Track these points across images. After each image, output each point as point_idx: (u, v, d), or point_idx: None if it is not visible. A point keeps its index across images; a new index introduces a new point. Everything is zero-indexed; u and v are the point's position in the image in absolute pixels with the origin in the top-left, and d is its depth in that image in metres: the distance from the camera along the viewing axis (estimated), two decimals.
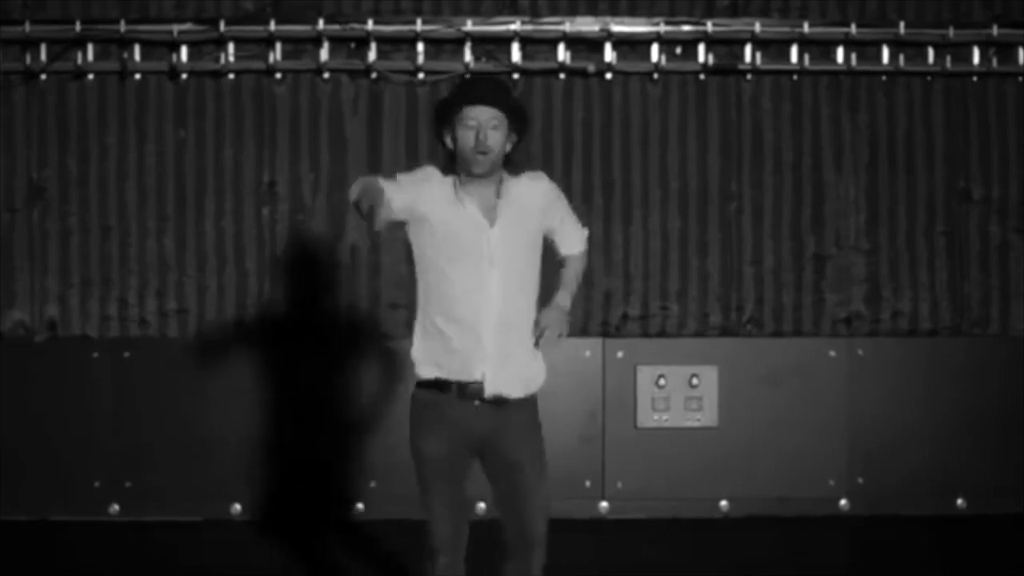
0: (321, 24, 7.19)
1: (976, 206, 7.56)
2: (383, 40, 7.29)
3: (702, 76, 7.44)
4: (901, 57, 7.44)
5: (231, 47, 7.26)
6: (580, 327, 7.34)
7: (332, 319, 7.29)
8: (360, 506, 7.06)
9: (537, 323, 4.21)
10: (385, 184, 4.06)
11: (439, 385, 4.16)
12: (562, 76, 7.37)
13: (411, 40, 7.28)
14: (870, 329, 7.48)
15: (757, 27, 7.32)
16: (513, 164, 4.28)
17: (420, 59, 7.28)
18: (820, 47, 7.43)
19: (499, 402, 4.14)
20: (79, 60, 7.22)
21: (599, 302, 7.42)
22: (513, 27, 7.25)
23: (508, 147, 4.21)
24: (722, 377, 7.16)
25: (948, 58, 7.44)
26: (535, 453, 4.20)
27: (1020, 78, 7.53)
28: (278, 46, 7.27)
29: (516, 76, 7.30)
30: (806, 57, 7.38)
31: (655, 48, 7.38)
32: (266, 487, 7.01)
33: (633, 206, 7.45)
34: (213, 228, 7.35)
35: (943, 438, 7.21)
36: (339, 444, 7.01)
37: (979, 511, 7.16)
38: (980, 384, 7.25)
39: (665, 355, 7.20)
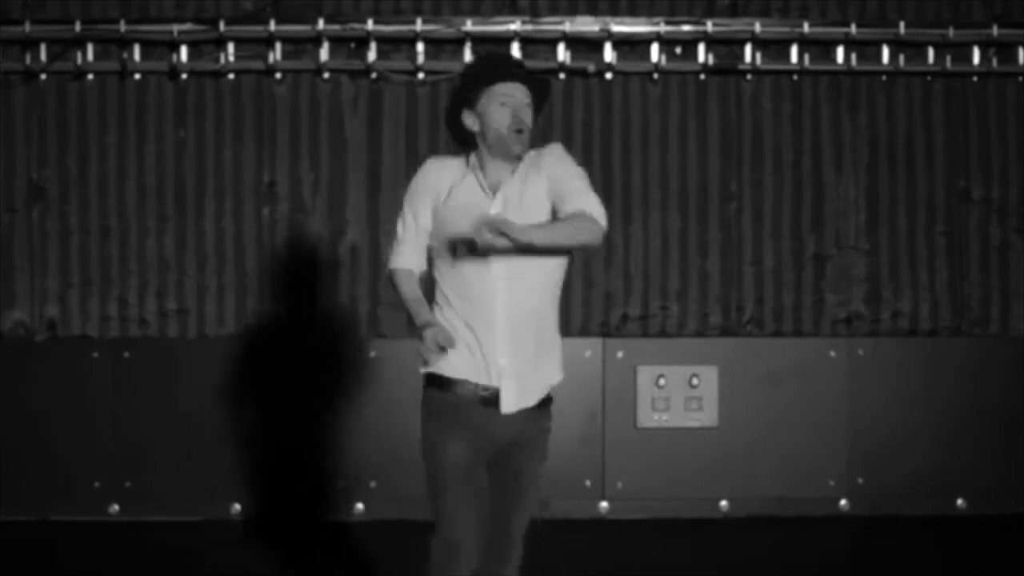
0: (321, 24, 7.18)
1: (976, 206, 7.56)
2: (383, 40, 7.29)
3: (702, 76, 7.44)
4: (901, 57, 7.44)
5: (231, 47, 7.26)
6: (580, 327, 7.34)
7: (332, 319, 7.29)
8: (360, 506, 7.06)
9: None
10: (403, 233, 4.01)
11: (456, 385, 3.95)
12: (562, 76, 7.37)
13: (411, 40, 7.28)
14: (870, 329, 7.48)
15: (757, 27, 7.32)
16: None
17: (420, 59, 7.28)
18: (820, 47, 7.43)
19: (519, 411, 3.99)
20: (79, 60, 7.22)
21: (599, 302, 7.42)
22: (513, 27, 7.25)
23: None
24: (722, 377, 7.16)
25: (948, 58, 7.44)
26: (539, 458, 4.07)
27: (1020, 78, 7.53)
28: (278, 46, 7.27)
29: None
30: (806, 57, 7.38)
31: (655, 48, 7.38)
32: (266, 487, 7.01)
33: (633, 206, 7.45)
34: (213, 228, 7.35)
35: (943, 438, 7.21)
36: (339, 444, 7.00)
37: (979, 511, 7.16)
38: (980, 384, 7.25)
39: (665, 355, 7.20)
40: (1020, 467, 7.18)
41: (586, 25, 7.31)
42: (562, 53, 7.31)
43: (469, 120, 4.03)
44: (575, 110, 7.43)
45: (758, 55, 7.41)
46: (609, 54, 7.34)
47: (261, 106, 7.38)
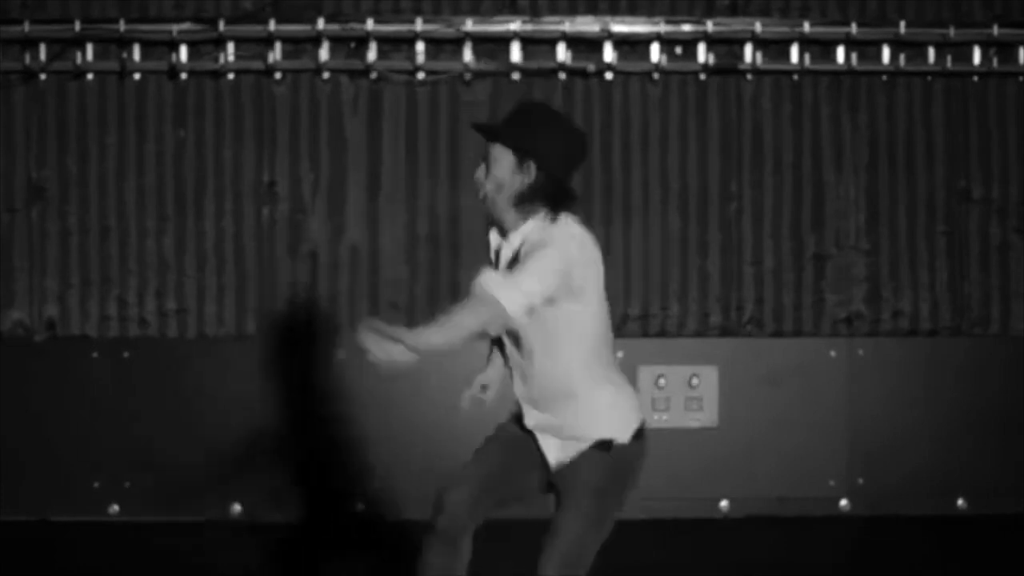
0: (321, 24, 7.18)
1: (976, 206, 7.56)
2: (383, 40, 7.29)
3: (702, 76, 7.44)
4: (901, 57, 7.43)
5: (231, 47, 7.26)
6: None
7: (331, 319, 7.29)
8: (360, 506, 7.06)
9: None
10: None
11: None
12: (562, 76, 7.37)
13: (411, 40, 7.27)
14: (870, 329, 7.48)
15: (757, 27, 7.32)
16: (556, 203, 3.74)
17: (420, 59, 7.28)
18: (820, 47, 7.43)
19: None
20: (79, 60, 7.22)
21: None
22: (513, 27, 7.25)
23: (522, 182, 3.71)
24: (722, 377, 7.16)
25: (948, 58, 7.44)
26: (582, 513, 3.89)
27: (1021, 78, 7.52)
28: (278, 46, 7.26)
29: (516, 76, 7.31)
30: (806, 57, 7.38)
31: (655, 48, 7.37)
32: (266, 487, 7.01)
33: (633, 206, 7.45)
34: (213, 228, 7.35)
35: (943, 438, 7.20)
36: (339, 444, 7.00)
37: (979, 511, 7.16)
38: (980, 384, 7.25)
39: (665, 355, 7.20)
40: (1020, 467, 7.18)
41: (586, 25, 7.31)
42: (562, 53, 7.31)
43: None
44: (575, 110, 7.42)
45: (758, 55, 7.41)
46: (609, 54, 7.33)
47: (261, 106, 7.37)
